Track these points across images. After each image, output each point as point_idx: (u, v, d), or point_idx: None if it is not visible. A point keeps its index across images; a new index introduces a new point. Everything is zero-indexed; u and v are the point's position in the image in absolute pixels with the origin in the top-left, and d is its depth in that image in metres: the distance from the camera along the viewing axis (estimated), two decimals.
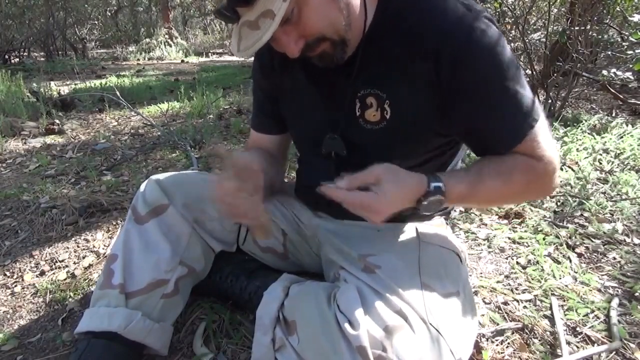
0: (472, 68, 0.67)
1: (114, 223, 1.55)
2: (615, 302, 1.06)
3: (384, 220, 0.66)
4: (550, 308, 1.05)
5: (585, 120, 2.63)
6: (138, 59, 9.32)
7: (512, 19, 2.82)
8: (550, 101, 2.65)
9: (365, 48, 0.73)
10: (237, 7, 0.63)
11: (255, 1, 0.61)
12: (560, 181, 1.79)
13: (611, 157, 2.05)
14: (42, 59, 8.40)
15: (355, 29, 0.70)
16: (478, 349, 0.92)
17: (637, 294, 1.11)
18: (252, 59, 0.93)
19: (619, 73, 2.30)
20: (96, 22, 12.03)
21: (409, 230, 0.87)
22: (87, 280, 1.23)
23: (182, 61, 8.87)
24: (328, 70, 0.74)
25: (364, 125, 0.78)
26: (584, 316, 1.03)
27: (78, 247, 1.42)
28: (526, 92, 0.71)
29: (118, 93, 3.06)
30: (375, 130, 0.77)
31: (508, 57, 0.68)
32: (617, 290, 1.13)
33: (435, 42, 0.67)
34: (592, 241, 1.36)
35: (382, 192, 0.64)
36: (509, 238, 1.39)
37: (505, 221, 1.50)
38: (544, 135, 0.73)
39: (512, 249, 1.33)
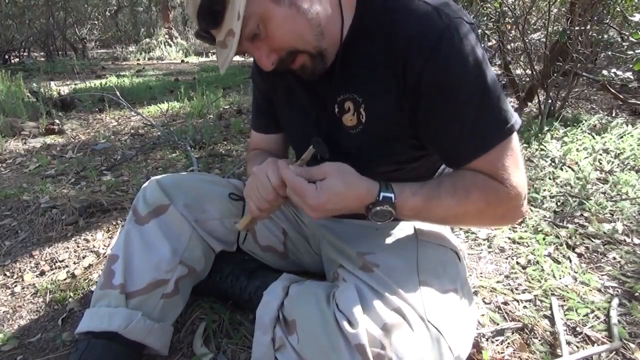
0: (438, 70, 0.66)
1: (114, 223, 1.55)
2: (615, 302, 1.06)
3: (324, 217, 0.69)
4: (550, 308, 1.06)
5: (585, 120, 2.63)
6: (138, 59, 9.33)
7: (512, 19, 2.82)
8: (550, 101, 2.65)
9: (344, 53, 0.73)
10: (208, 29, 0.67)
11: (221, 22, 0.65)
12: (560, 181, 1.79)
13: (611, 157, 2.05)
14: (42, 59, 8.41)
15: (331, 37, 0.70)
16: (478, 348, 0.92)
17: (637, 294, 1.11)
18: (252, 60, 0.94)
19: (619, 73, 2.30)
20: (96, 22, 12.04)
21: (408, 229, 0.87)
22: (87, 280, 1.23)
23: (182, 61, 8.88)
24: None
25: (345, 129, 0.79)
26: (584, 316, 1.03)
27: (78, 247, 1.42)
28: (499, 110, 0.68)
29: (118, 93, 3.06)
30: (354, 134, 0.78)
31: (481, 66, 0.67)
32: (617, 290, 1.13)
33: (405, 46, 0.66)
34: (592, 241, 1.36)
35: (321, 188, 0.66)
36: (509, 238, 1.39)
37: None
38: (513, 160, 0.70)
39: (512, 249, 1.33)
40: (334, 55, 0.73)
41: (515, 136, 0.71)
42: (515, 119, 0.70)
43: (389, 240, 0.85)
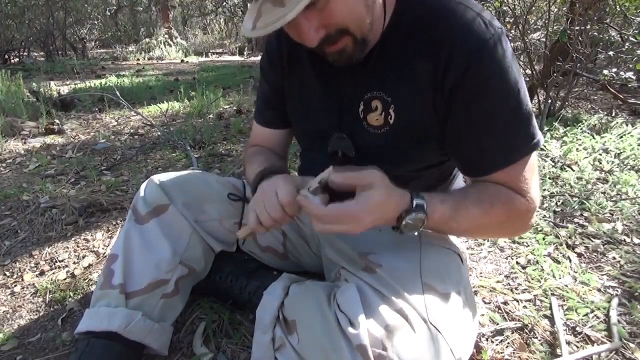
0: (479, 78, 0.66)
1: (114, 223, 1.55)
2: (615, 302, 1.06)
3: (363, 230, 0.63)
4: (550, 308, 1.06)
5: (585, 120, 2.63)
6: (138, 59, 9.32)
7: (513, 19, 2.82)
8: (550, 101, 2.65)
9: (380, 51, 0.72)
10: None
11: None
12: (561, 181, 1.79)
13: (611, 157, 2.05)
14: (42, 59, 8.40)
15: (375, 30, 0.69)
16: (478, 349, 0.92)
17: (637, 294, 1.11)
18: (260, 55, 0.92)
19: (621, 73, 2.30)
20: (96, 22, 12.04)
21: None
22: (87, 280, 1.23)
23: (182, 61, 8.87)
24: (337, 70, 0.73)
25: (367, 129, 0.77)
26: (584, 316, 1.03)
27: (78, 247, 1.42)
28: (528, 125, 0.69)
29: (118, 93, 3.06)
30: (379, 134, 0.76)
31: (517, 80, 0.67)
32: (617, 290, 1.13)
33: (448, 48, 0.66)
34: (592, 241, 1.36)
35: (366, 199, 0.61)
36: (509, 238, 1.39)
37: None
38: (532, 173, 0.71)
39: (512, 249, 1.33)
40: (370, 48, 0.71)
41: (536, 152, 0.71)
42: (540, 136, 0.71)
43: (391, 241, 0.84)
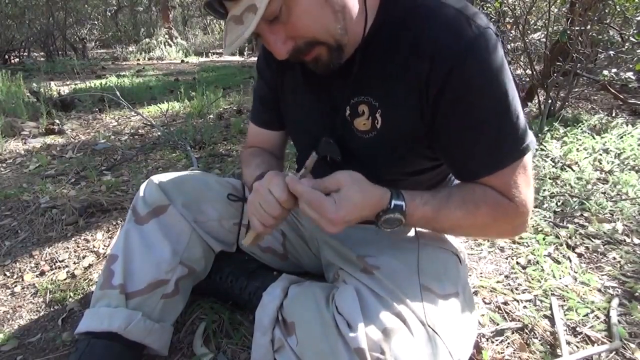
0: (463, 77, 0.64)
1: (114, 223, 1.55)
2: (615, 302, 1.06)
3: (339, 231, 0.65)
4: (550, 308, 1.06)
5: (585, 120, 2.63)
6: (138, 59, 9.32)
7: (512, 19, 2.82)
8: (550, 101, 2.65)
9: (363, 54, 0.71)
10: (224, 0, 0.61)
11: None
12: (561, 181, 1.79)
13: (611, 157, 2.05)
14: (42, 59, 8.40)
15: (352, 34, 0.68)
16: (478, 349, 0.92)
17: (637, 294, 1.11)
18: (258, 52, 0.92)
19: (620, 73, 2.30)
20: (96, 22, 12.04)
21: (408, 231, 0.87)
22: (87, 280, 1.23)
23: (182, 61, 8.87)
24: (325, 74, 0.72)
25: (356, 133, 0.77)
26: (584, 316, 1.03)
27: (78, 247, 1.42)
28: (516, 128, 0.67)
29: (118, 93, 3.06)
30: (366, 139, 0.76)
31: (505, 82, 0.65)
32: (617, 290, 1.13)
33: (432, 52, 0.64)
34: (592, 241, 1.36)
35: (339, 200, 0.63)
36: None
37: None
38: (524, 178, 0.70)
39: (512, 249, 1.33)
40: (350, 53, 0.70)
41: (529, 154, 0.70)
42: (531, 139, 0.69)
43: (389, 243, 0.84)
